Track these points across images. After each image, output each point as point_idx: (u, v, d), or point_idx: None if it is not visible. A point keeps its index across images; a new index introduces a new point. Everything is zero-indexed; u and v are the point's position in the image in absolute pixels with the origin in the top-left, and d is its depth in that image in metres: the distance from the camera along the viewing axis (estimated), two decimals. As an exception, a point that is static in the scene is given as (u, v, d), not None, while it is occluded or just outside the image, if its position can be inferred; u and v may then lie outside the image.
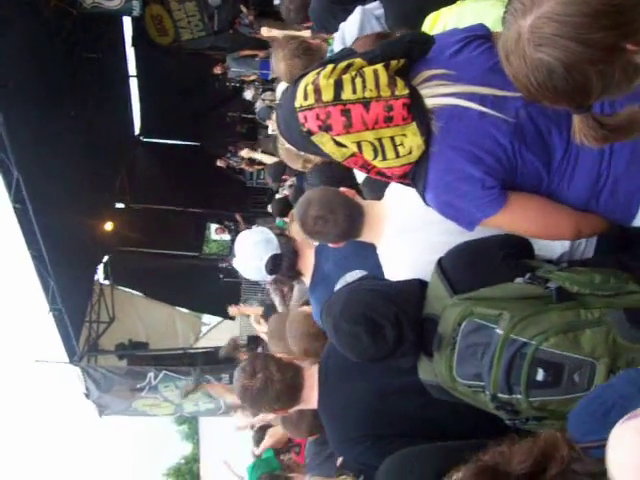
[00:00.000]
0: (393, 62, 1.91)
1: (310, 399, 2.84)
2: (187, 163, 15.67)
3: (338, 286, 3.01)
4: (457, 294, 2.06)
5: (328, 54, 3.82)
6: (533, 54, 1.30)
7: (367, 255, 3.06)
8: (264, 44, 12.66)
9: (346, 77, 1.88)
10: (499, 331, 1.85)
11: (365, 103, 1.88)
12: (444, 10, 2.71)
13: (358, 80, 1.88)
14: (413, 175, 2.02)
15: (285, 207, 7.16)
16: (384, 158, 1.97)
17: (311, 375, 2.85)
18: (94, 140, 12.50)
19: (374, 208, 2.84)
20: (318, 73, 1.93)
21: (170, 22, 14.10)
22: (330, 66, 1.92)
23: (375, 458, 2.47)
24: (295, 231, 4.34)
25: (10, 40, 8.89)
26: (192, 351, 15.39)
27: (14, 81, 8.92)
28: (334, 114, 1.90)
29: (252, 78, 12.91)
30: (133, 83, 15.26)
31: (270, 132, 12.22)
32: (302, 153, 3.75)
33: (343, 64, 1.90)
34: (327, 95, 1.89)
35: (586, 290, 1.90)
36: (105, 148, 13.42)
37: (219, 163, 14.50)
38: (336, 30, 3.86)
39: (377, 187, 3.16)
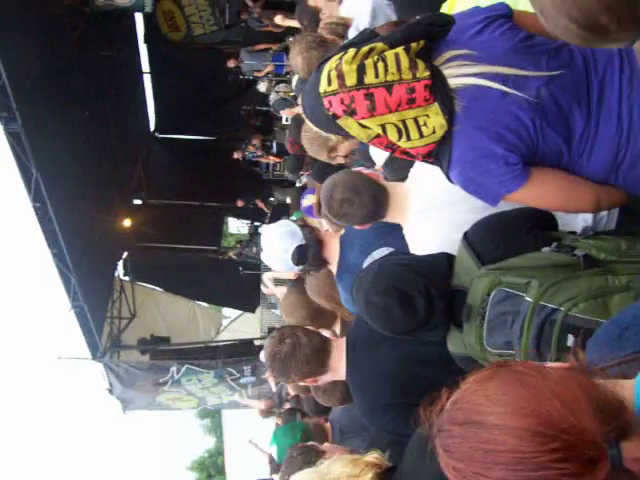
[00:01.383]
0: (413, 44, 1.93)
1: (338, 369, 2.90)
2: (202, 158, 15.68)
3: (366, 264, 3.05)
4: (484, 265, 2.09)
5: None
6: None
7: (389, 242, 3.10)
8: (276, 37, 12.68)
9: (368, 62, 1.91)
10: (528, 298, 1.87)
11: (388, 86, 1.91)
12: None
13: (380, 64, 1.90)
14: (437, 153, 2.05)
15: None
16: (408, 139, 2.01)
17: (339, 346, 2.91)
18: (110, 137, 12.59)
19: (398, 189, 2.89)
20: (340, 58, 1.96)
21: (182, 17, 14.13)
22: (352, 51, 1.94)
23: (403, 426, 2.50)
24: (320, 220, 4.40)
25: (24, 40, 8.95)
26: (213, 344, 15.43)
27: (30, 82, 8.99)
28: (358, 98, 1.93)
29: (268, 70, 12.92)
30: (147, 79, 15.30)
31: (285, 122, 12.26)
32: (330, 139, 3.78)
33: (365, 49, 1.92)
34: (350, 80, 1.92)
35: (613, 257, 1.91)
36: (121, 145, 13.49)
37: (235, 155, 14.54)
38: None
39: (398, 169, 3.20)
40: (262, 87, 13.01)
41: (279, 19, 7.35)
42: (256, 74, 13.23)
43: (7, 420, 46.30)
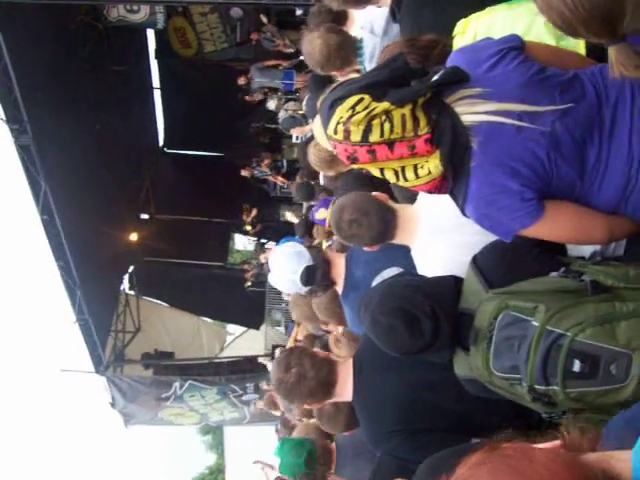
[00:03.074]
0: (420, 99, 1.95)
1: (344, 393, 2.90)
2: (211, 174, 15.75)
3: (375, 283, 3.06)
4: (492, 289, 2.09)
5: (357, 45, 3.86)
6: None
7: (396, 257, 3.11)
8: (287, 55, 12.76)
9: (375, 122, 1.93)
10: (535, 323, 1.87)
11: (390, 144, 1.95)
12: (474, 17, 2.69)
13: (387, 125, 1.93)
14: (453, 189, 2.07)
15: (310, 227, 7.19)
16: (405, 180, 2.05)
17: (345, 369, 2.90)
18: (119, 152, 12.65)
19: (406, 210, 2.91)
20: (352, 113, 1.96)
21: (193, 34, 14.24)
22: (363, 113, 1.94)
23: (410, 452, 2.51)
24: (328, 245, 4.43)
25: (37, 54, 9.04)
26: (217, 361, 15.43)
27: (41, 95, 9.07)
28: (360, 152, 1.98)
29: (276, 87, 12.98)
30: (157, 95, 15.39)
31: (294, 140, 12.31)
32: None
33: (377, 110, 1.94)
34: (355, 137, 1.96)
35: (620, 283, 1.92)
36: (130, 160, 13.57)
37: (243, 173, 14.59)
38: None
39: (408, 190, 3.21)
40: (271, 105, 13.08)
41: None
42: (266, 90, 13.28)
43: (9, 432, 46.24)
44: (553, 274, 2.04)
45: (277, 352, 8.53)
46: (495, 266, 2.18)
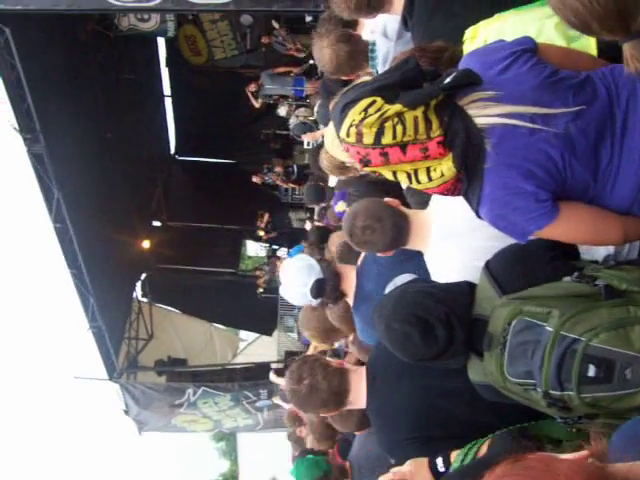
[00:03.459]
0: (433, 101, 1.95)
1: (357, 401, 2.90)
2: (222, 180, 15.80)
3: (388, 290, 3.06)
4: (506, 294, 2.09)
5: (370, 48, 3.86)
6: None
7: (408, 269, 3.12)
8: (298, 61, 12.78)
9: (388, 124, 1.93)
10: (549, 328, 1.87)
11: (402, 146, 1.94)
12: (482, 23, 2.69)
13: (399, 127, 1.92)
14: (467, 191, 2.06)
15: (324, 235, 7.20)
16: (418, 183, 2.05)
17: (358, 378, 2.91)
18: (130, 160, 12.71)
19: (419, 216, 2.92)
20: (364, 116, 1.96)
21: (203, 42, 14.28)
22: (375, 116, 1.94)
23: (425, 459, 2.49)
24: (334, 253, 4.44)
25: (50, 63, 9.11)
26: (230, 367, 15.45)
27: (54, 104, 9.13)
28: (373, 154, 1.98)
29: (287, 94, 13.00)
30: (168, 102, 15.45)
31: (306, 146, 12.31)
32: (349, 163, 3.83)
33: (390, 113, 1.94)
34: (368, 140, 1.95)
35: (635, 287, 1.91)
36: (141, 167, 13.63)
37: (255, 179, 14.61)
38: None
39: (420, 195, 3.21)
40: (282, 111, 13.10)
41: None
42: (275, 98, 13.29)
43: (24, 439, 46.43)
44: (566, 279, 2.03)
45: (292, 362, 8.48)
46: (508, 271, 2.18)
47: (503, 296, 2.09)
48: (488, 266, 2.25)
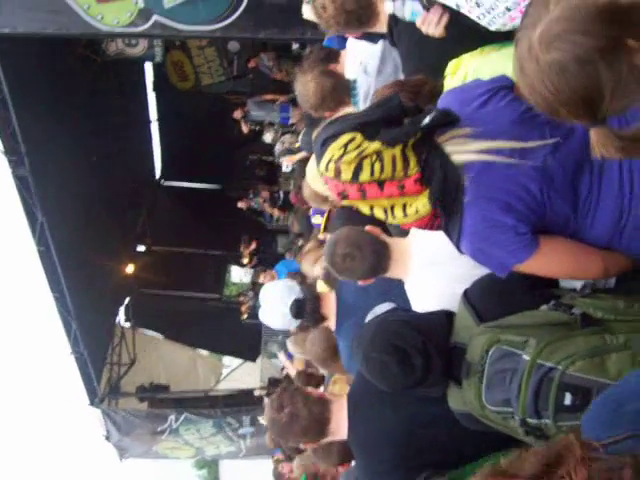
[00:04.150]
0: (411, 140, 1.98)
1: (338, 431, 2.89)
2: (207, 206, 15.79)
3: (368, 319, 3.07)
4: (484, 322, 2.10)
5: (351, 85, 3.89)
6: (545, 55, 1.36)
7: (389, 282, 3.13)
8: (284, 87, 12.86)
9: (366, 162, 1.96)
10: (526, 357, 1.88)
11: (380, 183, 1.98)
12: (466, 56, 2.72)
13: (377, 165, 1.95)
14: (447, 225, 2.08)
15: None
16: (394, 217, 2.08)
17: (339, 407, 2.90)
18: (116, 184, 12.66)
19: (400, 244, 2.93)
20: (343, 152, 1.98)
21: (191, 67, 14.34)
22: (354, 153, 1.96)
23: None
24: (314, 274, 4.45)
25: (36, 86, 9.10)
26: (213, 393, 15.34)
27: (39, 127, 9.11)
28: (351, 190, 2.01)
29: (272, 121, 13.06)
30: (154, 127, 15.47)
31: (285, 169, 12.36)
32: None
33: (368, 151, 1.96)
34: (346, 176, 1.99)
35: (611, 316, 1.93)
36: (126, 192, 13.58)
37: (240, 204, 14.62)
38: None
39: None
40: (268, 137, 13.13)
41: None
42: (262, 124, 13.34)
43: (3, 463, 45.79)
44: (543, 307, 2.05)
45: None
46: (486, 300, 2.20)
47: (481, 324, 2.11)
48: (466, 294, 2.27)
